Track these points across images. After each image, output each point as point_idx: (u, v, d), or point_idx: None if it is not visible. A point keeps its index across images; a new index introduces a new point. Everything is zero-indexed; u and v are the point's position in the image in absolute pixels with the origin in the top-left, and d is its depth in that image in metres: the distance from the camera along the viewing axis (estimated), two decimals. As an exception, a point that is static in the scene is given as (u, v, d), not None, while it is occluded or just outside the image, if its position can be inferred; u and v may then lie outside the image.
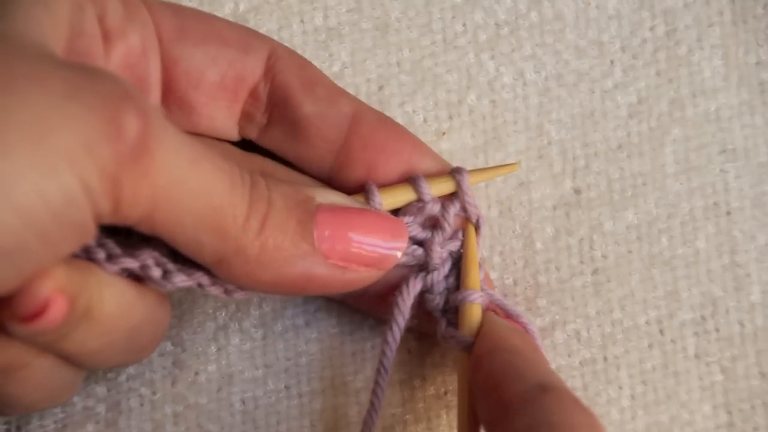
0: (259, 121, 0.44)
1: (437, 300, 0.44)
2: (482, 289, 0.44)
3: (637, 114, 0.49)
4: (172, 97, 0.42)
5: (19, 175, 0.31)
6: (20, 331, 0.35)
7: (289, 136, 0.44)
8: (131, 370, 0.47)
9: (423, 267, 0.44)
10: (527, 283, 0.48)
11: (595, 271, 0.48)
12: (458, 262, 0.45)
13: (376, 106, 0.49)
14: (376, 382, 0.44)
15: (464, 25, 0.50)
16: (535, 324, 0.47)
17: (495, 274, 0.48)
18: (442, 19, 0.50)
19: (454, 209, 0.45)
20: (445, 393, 0.47)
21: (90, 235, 0.34)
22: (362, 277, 0.41)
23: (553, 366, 0.47)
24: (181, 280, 0.39)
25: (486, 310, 0.44)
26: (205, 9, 0.50)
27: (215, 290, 0.40)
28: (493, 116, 0.50)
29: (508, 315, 0.44)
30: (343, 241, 0.40)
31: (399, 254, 0.42)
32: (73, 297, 0.36)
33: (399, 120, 0.49)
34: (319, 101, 0.43)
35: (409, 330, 0.45)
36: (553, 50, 0.50)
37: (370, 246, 0.41)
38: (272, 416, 0.47)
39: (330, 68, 0.50)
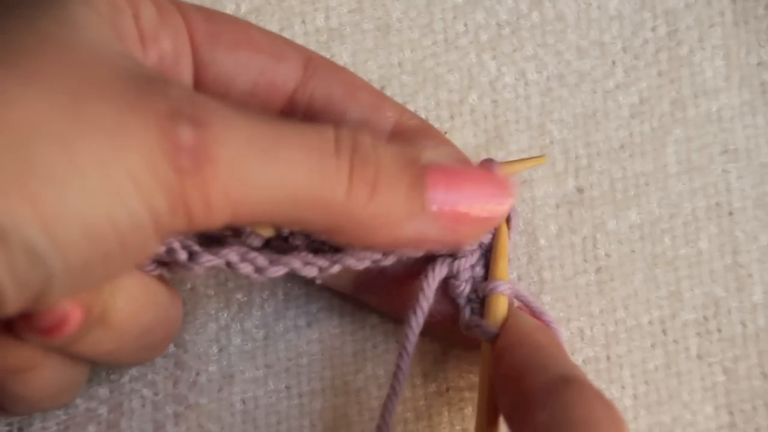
0: None
1: (462, 287, 0.44)
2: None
3: (639, 114, 0.49)
4: None
5: (92, 198, 0.31)
6: (35, 339, 0.35)
7: None
8: (134, 371, 0.47)
9: (451, 254, 0.44)
10: (531, 279, 0.48)
11: (598, 270, 0.48)
12: (487, 252, 0.44)
13: (377, 107, 0.49)
14: (398, 366, 0.43)
15: (466, 25, 0.50)
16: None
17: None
18: (444, 19, 0.50)
19: None
20: (447, 390, 0.47)
21: (150, 254, 0.34)
22: (471, 234, 0.41)
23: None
24: (207, 260, 0.38)
25: (511, 303, 0.44)
26: (206, 9, 0.51)
27: (245, 268, 0.39)
28: (495, 116, 0.50)
29: (533, 312, 0.44)
30: (453, 201, 0.39)
31: (507, 209, 0.41)
32: (89, 305, 0.35)
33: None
34: (365, 108, 0.43)
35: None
36: (555, 50, 0.50)
37: (478, 205, 0.40)
38: (273, 416, 0.47)
39: (331, 68, 0.50)
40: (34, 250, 0.30)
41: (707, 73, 0.50)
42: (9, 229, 0.30)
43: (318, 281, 0.43)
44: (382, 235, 0.38)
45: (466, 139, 0.49)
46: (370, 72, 0.50)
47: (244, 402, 0.47)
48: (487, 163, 0.44)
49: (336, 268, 0.41)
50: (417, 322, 0.43)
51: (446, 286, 0.44)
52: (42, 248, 0.30)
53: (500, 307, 0.43)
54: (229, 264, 0.39)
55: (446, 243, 0.41)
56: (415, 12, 0.50)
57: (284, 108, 0.42)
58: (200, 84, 0.40)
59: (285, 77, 0.41)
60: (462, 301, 0.44)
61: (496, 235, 0.45)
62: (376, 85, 0.50)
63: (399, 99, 0.50)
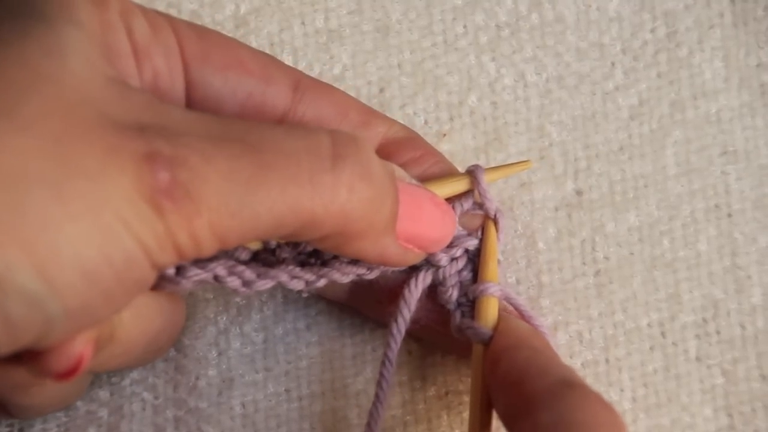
0: None
1: (450, 292, 0.44)
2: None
3: (638, 116, 0.49)
4: None
5: (86, 239, 0.31)
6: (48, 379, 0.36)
7: None
8: (134, 375, 0.47)
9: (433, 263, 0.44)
10: (530, 283, 0.48)
11: (597, 273, 0.48)
12: (474, 257, 0.45)
13: (377, 108, 0.49)
14: (381, 374, 0.43)
15: (465, 26, 0.50)
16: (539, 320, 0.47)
17: (498, 271, 0.48)
18: (443, 21, 0.50)
19: (465, 206, 0.45)
20: (446, 394, 0.47)
21: (149, 285, 0.34)
22: (415, 258, 0.41)
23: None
24: (195, 274, 0.38)
25: (503, 308, 0.44)
26: (206, 11, 0.51)
27: (232, 281, 0.40)
28: (494, 118, 0.50)
29: (523, 315, 0.44)
30: (414, 222, 0.40)
31: (448, 240, 0.42)
32: (97, 333, 0.36)
33: (400, 122, 0.49)
34: (356, 127, 0.43)
35: (409, 333, 0.45)
36: (554, 52, 0.50)
37: (431, 229, 0.41)
38: (272, 419, 0.47)
39: (331, 70, 0.50)
40: (31, 295, 0.31)
41: (706, 75, 0.50)
42: (4, 275, 0.30)
43: (305, 294, 0.44)
44: (357, 246, 0.38)
45: (466, 141, 0.49)
46: (370, 74, 0.50)
47: (243, 405, 0.47)
48: (474, 169, 0.44)
49: (322, 282, 0.41)
50: (399, 330, 0.43)
51: (435, 294, 0.44)
52: (39, 293, 0.31)
53: (491, 308, 0.43)
54: (216, 278, 0.39)
55: (398, 263, 0.41)
56: (415, 14, 0.50)
57: None
58: (189, 104, 0.40)
59: (274, 100, 0.41)
60: (452, 306, 0.44)
61: (484, 237, 0.45)
62: (376, 87, 0.50)
63: (398, 101, 0.50)
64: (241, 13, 0.51)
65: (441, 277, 0.44)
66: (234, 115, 0.41)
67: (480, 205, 0.45)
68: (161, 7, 0.50)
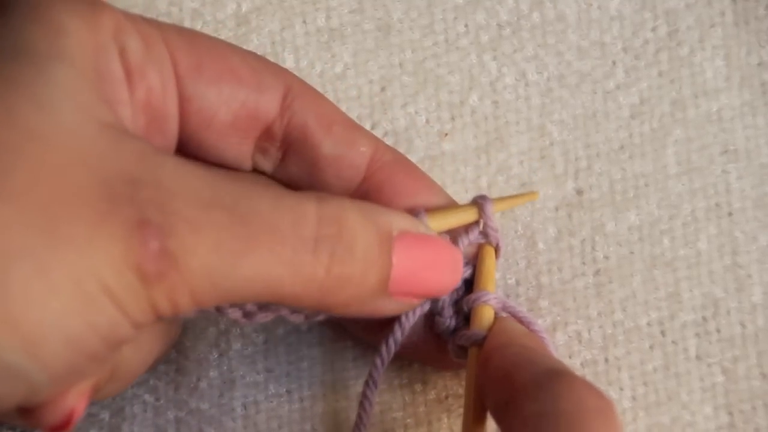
0: (274, 156, 0.43)
1: (448, 322, 0.44)
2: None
3: (639, 115, 0.49)
4: (182, 134, 0.41)
5: (70, 312, 0.32)
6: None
7: (305, 173, 0.43)
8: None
9: None
10: (530, 284, 0.48)
11: (596, 272, 0.48)
12: (470, 285, 0.44)
13: (378, 108, 0.49)
14: (364, 395, 0.44)
15: (466, 26, 0.50)
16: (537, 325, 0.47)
17: (498, 274, 0.48)
18: (444, 20, 0.50)
19: (471, 237, 0.44)
20: (446, 397, 0.47)
21: (131, 340, 0.35)
22: (415, 304, 0.42)
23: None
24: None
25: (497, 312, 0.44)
26: (208, 10, 0.50)
27: (233, 313, 0.40)
28: (495, 117, 0.50)
29: (522, 321, 0.44)
30: (416, 278, 0.40)
31: (456, 283, 0.42)
32: (96, 380, 0.37)
33: (401, 122, 0.49)
34: (338, 142, 0.42)
35: (400, 355, 0.45)
36: (555, 51, 0.50)
37: (436, 282, 0.41)
38: (273, 420, 0.47)
39: (332, 69, 0.50)
40: (14, 368, 0.31)
41: (707, 74, 0.49)
42: None
43: (304, 327, 0.44)
44: (344, 311, 0.39)
45: (467, 141, 0.49)
46: (371, 73, 0.50)
47: (245, 407, 0.47)
48: (481, 201, 0.44)
49: (321, 316, 0.41)
50: (388, 352, 0.43)
51: (431, 322, 0.44)
52: (23, 366, 0.31)
53: (485, 316, 0.43)
54: (218, 309, 0.40)
55: (394, 313, 0.41)
56: (416, 12, 0.50)
57: (261, 136, 0.42)
58: (183, 117, 0.40)
59: (266, 108, 0.41)
60: (447, 336, 0.44)
61: (482, 253, 0.44)
62: (377, 86, 0.50)
63: (400, 100, 0.50)
64: (242, 12, 0.51)
65: (439, 306, 0.44)
66: (227, 124, 0.41)
67: (484, 235, 0.44)
68: (162, 6, 0.50)
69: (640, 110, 0.49)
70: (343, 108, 0.49)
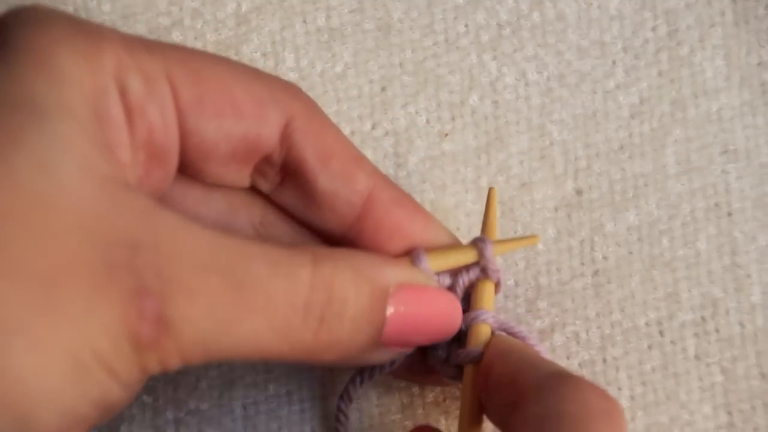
0: (272, 179, 0.42)
1: (441, 354, 0.44)
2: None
3: (638, 114, 0.49)
4: (181, 161, 0.40)
5: (64, 384, 0.33)
6: None
7: (301, 202, 0.42)
8: (135, 376, 0.48)
9: None
10: (528, 285, 0.48)
11: (595, 273, 0.48)
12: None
13: (378, 108, 0.49)
14: (339, 408, 0.45)
15: (466, 25, 0.50)
16: (534, 326, 0.47)
17: (498, 267, 0.48)
18: (445, 19, 0.50)
19: (472, 276, 0.44)
20: (444, 400, 0.47)
21: (123, 401, 0.36)
22: (407, 351, 0.42)
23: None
24: None
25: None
26: (208, 9, 0.50)
27: None
28: (495, 117, 0.50)
29: (518, 338, 0.44)
30: (407, 333, 0.40)
31: (455, 329, 0.43)
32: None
33: (402, 122, 0.49)
34: (334, 178, 0.42)
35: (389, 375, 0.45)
36: (555, 50, 0.50)
37: (430, 334, 0.42)
38: (273, 421, 0.47)
39: (333, 69, 0.50)
40: None
41: (707, 73, 0.49)
42: None
43: None
44: (333, 365, 0.40)
45: (467, 141, 0.49)
46: (371, 72, 0.50)
47: (244, 407, 0.47)
48: (481, 243, 0.43)
49: None
50: (370, 373, 0.44)
51: (426, 356, 0.44)
52: None
53: (483, 333, 0.43)
54: None
55: (384, 361, 0.42)
56: (416, 12, 0.50)
57: (258, 165, 0.42)
58: (183, 149, 0.40)
59: (266, 139, 0.41)
60: (439, 367, 0.43)
61: (480, 282, 0.44)
62: (377, 86, 0.50)
63: (400, 100, 0.50)
64: (242, 11, 0.50)
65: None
66: (226, 156, 0.41)
67: (484, 273, 0.44)
68: (162, 6, 0.50)
69: (639, 110, 0.49)
70: (344, 108, 0.49)
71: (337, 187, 0.42)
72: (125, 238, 0.34)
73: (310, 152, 0.41)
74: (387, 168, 0.49)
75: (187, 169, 0.41)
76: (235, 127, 0.40)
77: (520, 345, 0.42)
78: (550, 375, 0.38)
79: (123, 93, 0.37)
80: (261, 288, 0.36)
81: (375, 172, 0.43)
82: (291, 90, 0.42)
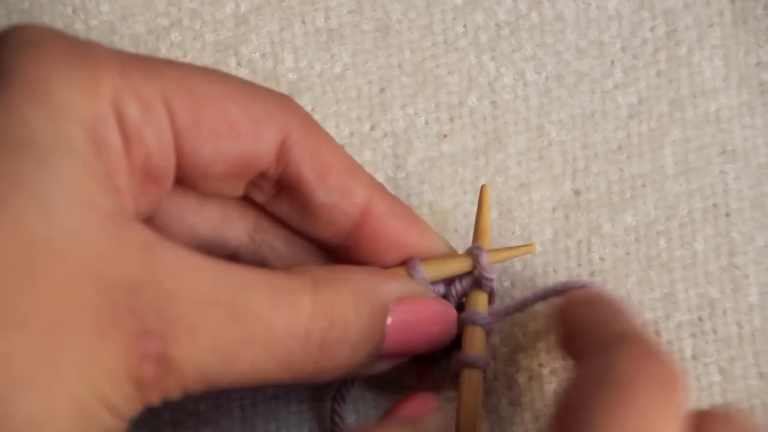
0: (267, 191, 0.43)
1: (439, 359, 0.44)
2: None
3: (637, 115, 0.49)
4: (177, 178, 0.41)
5: (67, 426, 0.33)
6: None
7: (297, 214, 0.43)
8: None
9: None
10: (525, 286, 0.48)
11: (592, 274, 0.48)
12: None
13: (377, 109, 0.49)
14: (333, 410, 0.45)
15: (465, 26, 0.50)
16: (530, 327, 0.48)
17: (494, 275, 0.48)
18: (443, 20, 0.50)
19: (465, 285, 0.44)
20: (441, 401, 0.47)
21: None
22: (404, 360, 0.43)
23: (547, 369, 0.47)
24: None
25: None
26: (206, 10, 0.50)
27: None
28: (494, 117, 0.50)
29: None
30: (405, 343, 0.41)
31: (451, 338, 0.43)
32: None
33: (401, 123, 0.49)
34: (331, 192, 0.42)
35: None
36: (554, 51, 0.50)
37: (428, 343, 0.42)
38: (271, 422, 0.47)
39: (332, 69, 0.50)
40: None
41: (706, 74, 0.49)
42: None
43: None
44: (332, 380, 0.41)
45: (466, 142, 0.49)
46: (370, 73, 0.50)
47: (242, 408, 0.47)
48: (476, 251, 0.44)
49: None
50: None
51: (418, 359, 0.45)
52: None
53: (476, 337, 0.43)
54: None
55: (387, 368, 0.43)
56: (415, 13, 0.50)
57: (253, 179, 0.42)
58: (180, 169, 0.40)
59: (262, 157, 0.41)
60: (438, 371, 0.44)
61: (470, 303, 0.45)
62: (376, 87, 0.50)
63: (399, 100, 0.50)
64: (241, 12, 0.50)
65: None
66: (222, 175, 0.41)
67: (478, 284, 0.44)
68: (161, 6, 0.50)
69: (638, 110, 0.49)
70: (343, 108, 0.50)
71: (335, 201, 0.42)
72: (126, 278, 0.34)
73: (307, 168, 0.41)
74: (386, 169, 0.49)
75: (183, 183, 0.41)
76: (232, 147, 0.40)
77: (599, 299, 0.43)
78: (613, 335, 0.38)
79: (120, 120, 0.37)
80: (262, 319, 0.37)
81: (371, 182, 0.43)
82: (286, 103, 0.42)
